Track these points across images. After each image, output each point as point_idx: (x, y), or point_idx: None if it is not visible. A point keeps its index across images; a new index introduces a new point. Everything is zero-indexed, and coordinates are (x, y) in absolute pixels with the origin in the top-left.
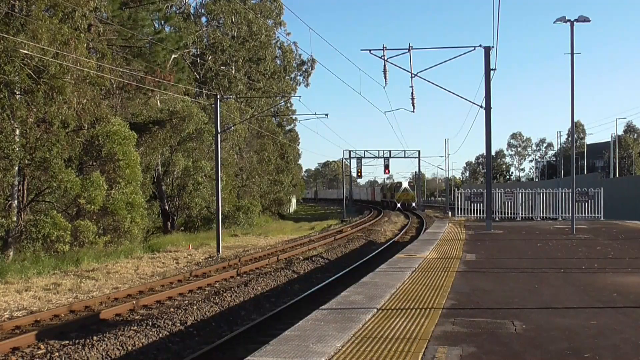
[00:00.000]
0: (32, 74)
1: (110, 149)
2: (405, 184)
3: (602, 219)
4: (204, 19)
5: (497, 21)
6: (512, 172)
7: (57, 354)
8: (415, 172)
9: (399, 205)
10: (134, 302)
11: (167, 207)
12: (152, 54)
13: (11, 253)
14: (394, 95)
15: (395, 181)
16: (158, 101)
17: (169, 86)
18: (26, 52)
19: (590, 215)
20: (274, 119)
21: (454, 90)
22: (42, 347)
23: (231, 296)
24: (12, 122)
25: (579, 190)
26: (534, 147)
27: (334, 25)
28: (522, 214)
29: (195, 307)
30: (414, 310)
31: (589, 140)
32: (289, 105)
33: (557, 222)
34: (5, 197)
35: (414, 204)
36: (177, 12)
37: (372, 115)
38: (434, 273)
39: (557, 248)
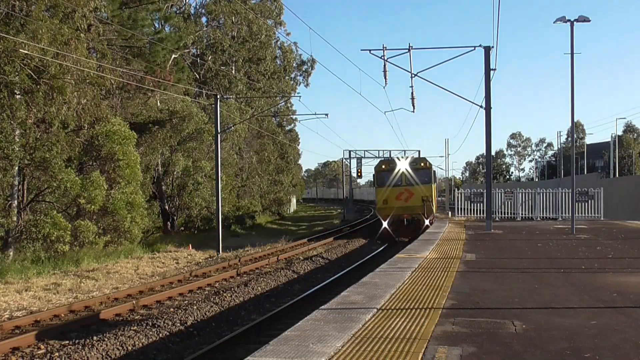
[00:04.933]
0: (32, 74)
1: (110, 149)
2: (403, 166)
3: (602, 219)
4: (204, 19)
5: (497, 21)
6: (512, 172)
7: (57, 354)
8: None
9: (385, 224)
10: (134, 302)
11: (167, 207)
12: (152, 54)
13: (11, 253)
14: (394, 95)
15: (383, 159)
16: (158, 101)
17: (169, 86)
18: (26, 52)
19: (590, 215)
20: (274, 119)
21: (454, 90)
22: (42, 347)
23: (231, 296)
24: (12, 122)
25: (579, 190)
26: (533, 147)
27: (334, 25)
28: (522, 214)
29: (195, 307)
30: (414, 310)
31: (589, 140)
32: (289, 105)
33: (557, 222)
34: (5, 197)
35: (427, 221)
36: (177, 12)
37: (372, 115)
38: (434, 273)
39: (557, 248)
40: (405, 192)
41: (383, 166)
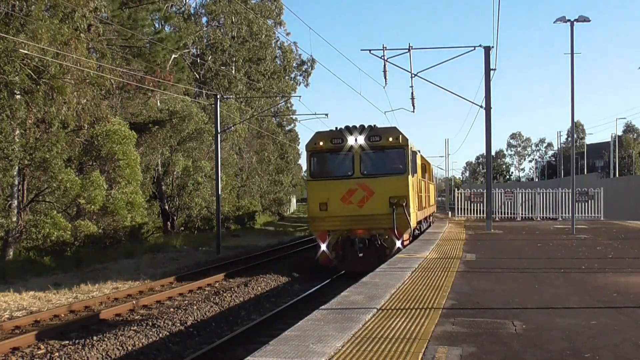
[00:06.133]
0: (32, 74)
1: (109, 149)
2: (356, 142)
3: (602, 219)
4: (204, 19)
5: (497, 21)
6: (512, 172)
7: (57, 354)
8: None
9: (323, 247)
10: (134, 302)
11: (167, 207)
12: (152, 54)
13: (11, 253)
14: (394, 95)
15: (320, 131)
16: (158, 101)
17: (169, 86)
18: (26, 52)
19: (590, 215)
20: (274, 119)
21: (454, 90)
22: (42, 347)
23: (231, 296)
24: (12, 122)
25: (579, 190)
26: (533, 147)
27: (334, 25)
28: (522, 214)
29: (195, 307)
30: (414, 310)
31: (589, 140)
32: (289, 105)
33: (557, 222)
34: (5, 197)
35: (399, 242)
36: (177, 12)
37: (372, 116)
38: (434, 273)
39: (557, 248)
40: (360, 189)
41: (321, 142)
